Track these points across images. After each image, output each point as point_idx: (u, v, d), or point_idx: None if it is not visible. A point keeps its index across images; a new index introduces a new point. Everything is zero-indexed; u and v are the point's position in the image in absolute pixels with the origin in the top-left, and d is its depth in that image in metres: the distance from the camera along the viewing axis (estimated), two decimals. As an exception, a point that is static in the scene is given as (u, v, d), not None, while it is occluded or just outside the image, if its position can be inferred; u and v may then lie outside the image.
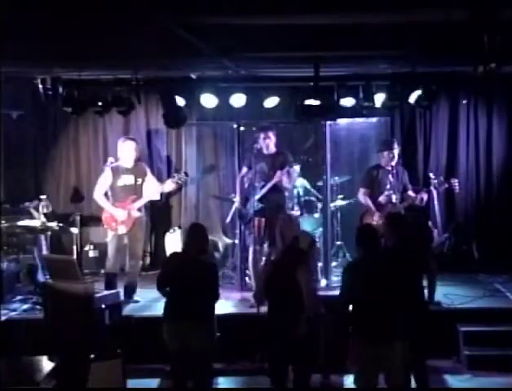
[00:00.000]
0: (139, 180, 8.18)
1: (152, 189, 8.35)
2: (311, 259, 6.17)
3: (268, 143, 8.22)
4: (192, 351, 5.69)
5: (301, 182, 9.14)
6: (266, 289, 5.80)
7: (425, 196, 8.31)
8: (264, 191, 8.20)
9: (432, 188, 8.50)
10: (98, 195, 8.19)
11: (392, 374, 5.36)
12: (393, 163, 8.39)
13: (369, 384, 5.39)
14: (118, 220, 8.06)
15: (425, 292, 6.09)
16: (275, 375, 5.77)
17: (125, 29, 5.47)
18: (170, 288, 5.84)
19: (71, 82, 8.22)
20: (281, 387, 5.74)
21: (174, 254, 6.19)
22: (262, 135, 8.22)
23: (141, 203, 8.15)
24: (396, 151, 8.39)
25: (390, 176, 8.35)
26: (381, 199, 8.35)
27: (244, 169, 8.49)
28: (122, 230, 8.08)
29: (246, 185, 8.50)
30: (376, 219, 8.27)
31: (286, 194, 8.41)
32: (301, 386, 5.72)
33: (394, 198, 8.33)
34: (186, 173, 8.58)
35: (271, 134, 8.23)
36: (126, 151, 8.12)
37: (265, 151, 8.26)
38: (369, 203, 8.41)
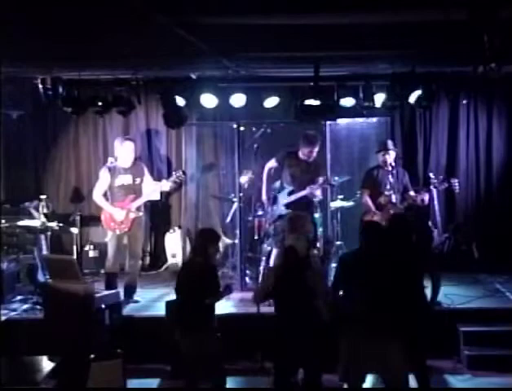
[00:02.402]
0: (138, 179, 8.18)
1: (151, 188, 8.37)
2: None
3: (311, 156, 8.26)
4: (200, 354, 5.71)
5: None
6: (275, 291, 5.78)
7: (425, 197, 8.30)
8: (292, 199, 8.24)
9: (432, 187, 8.50)
10: (97, 195, 8.20)
11: (389, 374, 5.37)
12: (392, 163, 8.39)
13: (355, 384, 5.41)
14: (117, 220, 8.07)
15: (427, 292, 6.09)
16: (282, 377, 5.73)
17: (125, 29, 5.47)
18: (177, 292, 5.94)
19: (71, 82, 8.21)
20: (287, 388, 5.73)
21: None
22: (308, 148, 8.22)
23: (139, 202, 8.16)
24: (392, 152, 8.40)
25: (390, 176, 8.35)
26: (382, 199, 8.36)
27: (273, 162, 8.55)
28: (121, 229, 8.09)
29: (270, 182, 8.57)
30: (376, 220, 8.27)
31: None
32: (312, 387, 5.70)
33: (394, 198, 8.33)
34: (183, 172, 8.62)
35: (316, 148, 8.26)
36: (125, 152, 8.13)
37: (301, 156, 8.29)
38: (370, 203, 8.42)
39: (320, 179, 8.24)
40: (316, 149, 8.29)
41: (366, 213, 8.49)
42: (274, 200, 8.47)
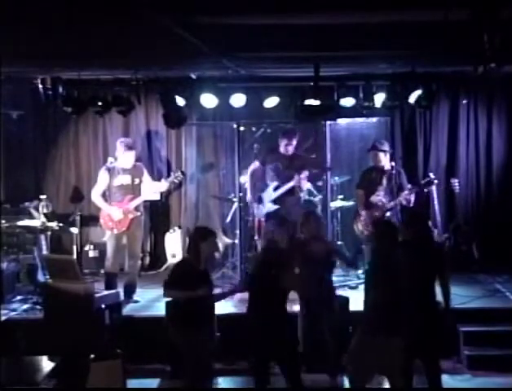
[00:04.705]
0: (137, 180, 8.19)
1: (149, 189, 8.37)
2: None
3: (289, 149, 8.30)
4: (196, 353, 5.70)
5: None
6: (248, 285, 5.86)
7: (411, 197, 8.29)
8: (280, 192, 8.24)
9: (414, 190, 8.46)
10: (95, 195, 8.21)
11: (388, 371, 5.39)
12: (392, 163, 8.39)
13: (362, 383, 5.43)
14: (115, 219, 8.06)
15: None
16: (259, 375, 5.75)
17: (125, 29, 5.47)
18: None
19: (71, 82, 8.21)
20: (265, 386, 5.74)
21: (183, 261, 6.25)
22: (284, 141, 8.29)
23: (137, 202, 8.15)
24: (382, 153, 8.39)
25: (385, 177, 8.36)
26: (372, 198, 8.39)
27: (256, 164, 8.57)
28: (119, 229, 8.08)
29: (256, 183, 8.55)
30: (364, 219, 8.30)
31: (301, 195, 8.46)
32: (293, 385, 5.70)
33: (384, 198, 8.32)
34: (182, 172, 8.64)
35: (294, 142, 8.30)
36: (126, 159, 8.13)
37: (282, 151, 8.33)
38: (359, 204, 8.48)
39: (305, 171, 8.24)
40: (293, 142, 8.33)
41: (356, 212, 8.56)
42: (259, 200, 8.47)
